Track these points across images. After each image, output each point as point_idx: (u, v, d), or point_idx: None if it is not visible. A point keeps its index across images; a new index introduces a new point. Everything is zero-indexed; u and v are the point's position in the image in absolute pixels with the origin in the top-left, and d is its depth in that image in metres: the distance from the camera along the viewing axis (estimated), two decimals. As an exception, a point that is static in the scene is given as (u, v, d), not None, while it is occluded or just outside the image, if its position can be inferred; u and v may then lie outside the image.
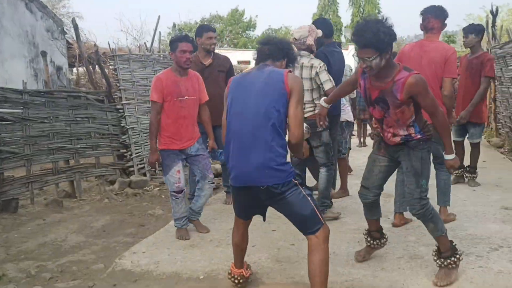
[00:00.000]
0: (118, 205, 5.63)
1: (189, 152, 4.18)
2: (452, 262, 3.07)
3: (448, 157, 3.08)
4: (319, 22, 4.70)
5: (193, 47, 4.32)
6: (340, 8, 36.98)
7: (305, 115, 4.34)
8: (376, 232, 3.47)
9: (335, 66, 4.49)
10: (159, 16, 8.00)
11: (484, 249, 3.64)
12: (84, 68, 7.32)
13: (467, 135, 5.71)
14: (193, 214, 4.35)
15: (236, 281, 3.12)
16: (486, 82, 5.39)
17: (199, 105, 4.29)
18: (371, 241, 3.47)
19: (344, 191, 5.52)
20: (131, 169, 6.68)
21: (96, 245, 4.21)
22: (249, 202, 2.91)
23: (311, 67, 4.35)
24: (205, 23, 34.80)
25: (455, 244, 3.17)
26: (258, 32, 37.20)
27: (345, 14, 45.26)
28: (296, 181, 2.72)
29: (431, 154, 3.32)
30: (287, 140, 2.78)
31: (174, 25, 8.26)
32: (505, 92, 8.07)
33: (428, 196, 3.13)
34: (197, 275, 3.41)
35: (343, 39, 33.11)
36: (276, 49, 2.95)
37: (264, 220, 3.11)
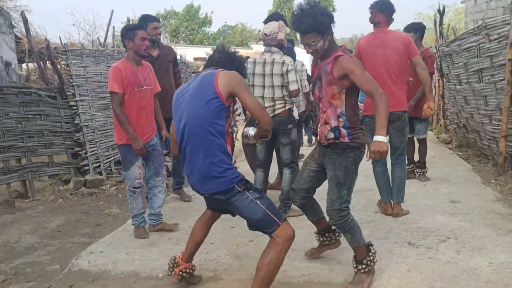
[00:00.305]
0: (73, 205, 5.50)
1: (147, 146, 4.15)
2: (364, 266, 3.07)
3: (377, 138, 2.72)
4: (273, 17, 4.73)
5: None
6: (295, 5, 37.27)
7: (276, 112, 4.41)
8: (323, 231, 3.50)
9: None
10: (112, 11, 7.87)
11: (434, 240, 3.81)
12: (35, 63, 7.08)
13: (415, 132, 5.95)
14: (155, 219, 4.30)
15: (184, 275, 3.09)
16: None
17: None
18: (321, 239, 3.52)
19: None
20: (86, 167, 6.55)
21: (51, 246, 4.11)
22: (210, 204, 3.00)
23: (283, 63, 4.41)
24: (160, 19, 34.41)
25: (371, 248, 3.15)
26: (214, 29, 37.09)
27: (301, 12, 45.48)
28: (240, 188, 2.70)
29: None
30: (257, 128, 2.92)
31: (128, 20, 8.09)
32: (452, 89, 8.41)
33: (349, 206, 3.09)
34: (156, 273, 3.40)
35: (298, 36, 33.49)
36: (226, 59, 2.91)
37: (233, 215, 3.04)
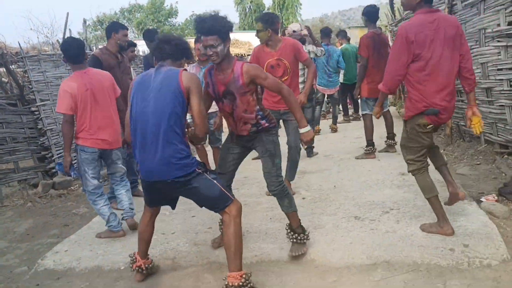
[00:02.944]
0: (41, 208, 5.65)
1: None
2: (301, 238, 3.47)
3: (302, 130, 3.26)
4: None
5: None
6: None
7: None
8: None
9: None
10: (67, 13, 7.91)
11: (377, 213, 4.10)
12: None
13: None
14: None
15: (143, 270, 3.33)
16: (361, 60, 6.17)
17: None
18: None
19: None
20: (54, 170, 6.68)
21: (19, 249, 4.28)
22: (158, 194, 3.16)
23: (309, 52, 6.00)
24: (125, 13, 34.06)
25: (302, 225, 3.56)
26: (180, 19, 36.82)
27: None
28: (200, 170, 2.98)
29: None
30: (194, 133, 3.06)
31: (85, 21, 8.15)
32: (406, 67, 8.72)
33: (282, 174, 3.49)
34: (118, 266, 3.62)
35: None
36: (176, 50, 3.11)
37: (173, 208, 3.34)
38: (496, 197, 4.07)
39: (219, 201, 3.02)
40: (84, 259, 3.80)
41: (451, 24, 3.32)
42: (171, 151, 2.88)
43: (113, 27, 5.25)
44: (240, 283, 2.88)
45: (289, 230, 3.52)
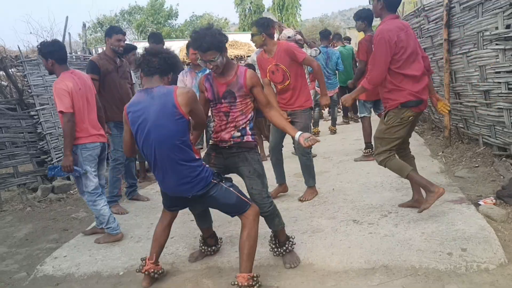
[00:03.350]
0: (41, 212, 5.66)
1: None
2: (289, 246, 3.45)
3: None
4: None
5: None
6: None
7: None
8: (210, 238, 3.71)
9: None
10: (67, 17, 7.96)
11: (376, 216, 4.10)
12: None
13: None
14: None
15: (152, 274, 3.29)
16: (360, 64, 6.10)
17: None
18: (204, 247, 3.69)
19: None
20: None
21: (19, 255, 4.29)
22: (180, 204, 3.29)
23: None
24: (125, 15, 34.13)
25: (290, 236, 3.53)
26: (180, 21, 36.91)
27: (267, -3, 45.59)
28: (215, 180, 3.07)
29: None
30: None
31: (84, 25, 8.18)
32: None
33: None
34: (117, 271, 3.62)
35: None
36: (164, 64, 3.05)
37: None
38: (494, 200, 4.07)
39: (236, 207, 3.13)
40: (83, 264, 3.80)
41: (408, 26, 3.83)
42: (185, 172, 2.99)
43: (107, 32, 5.27)
44: (247, 284, 2.94)
45: (275, 246, 3.48)
